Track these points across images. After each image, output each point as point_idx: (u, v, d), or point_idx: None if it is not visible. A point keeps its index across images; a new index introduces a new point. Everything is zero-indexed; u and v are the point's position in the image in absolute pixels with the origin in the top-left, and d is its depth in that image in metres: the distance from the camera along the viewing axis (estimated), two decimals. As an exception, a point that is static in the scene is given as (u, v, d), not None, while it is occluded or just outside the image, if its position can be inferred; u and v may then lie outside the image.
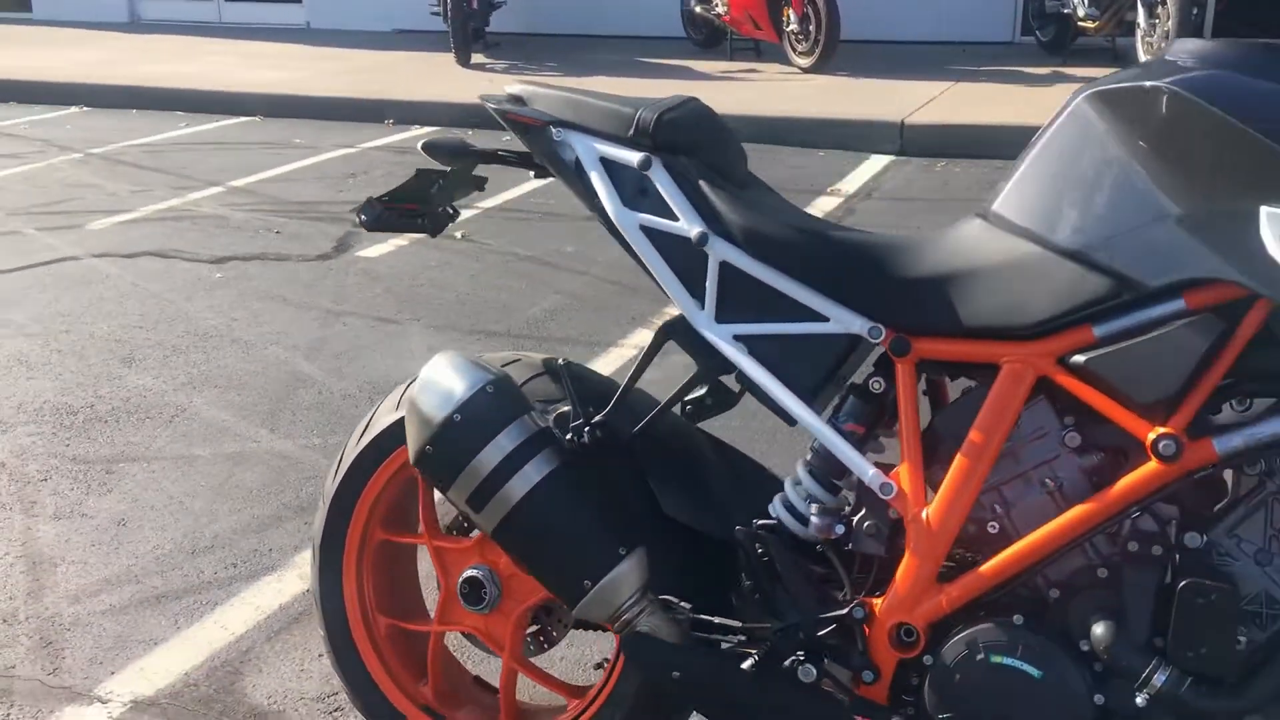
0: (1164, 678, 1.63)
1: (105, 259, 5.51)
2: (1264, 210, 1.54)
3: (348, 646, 2.21)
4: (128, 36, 12.76)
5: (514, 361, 2.11)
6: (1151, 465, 1.65)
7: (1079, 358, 1.69)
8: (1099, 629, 1.67)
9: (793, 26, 9.62)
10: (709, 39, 10.93)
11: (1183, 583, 1.64)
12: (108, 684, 2.57)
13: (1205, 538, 1.67)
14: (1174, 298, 1.64)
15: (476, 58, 10.46)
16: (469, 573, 2.08)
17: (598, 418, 1.92)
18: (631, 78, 9.36)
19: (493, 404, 1.90)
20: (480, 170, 2.14)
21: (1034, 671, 1.70)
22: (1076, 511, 1.70)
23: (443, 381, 1.93)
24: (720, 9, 10.24)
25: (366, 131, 8.44)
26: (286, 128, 8.71)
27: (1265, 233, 1.55)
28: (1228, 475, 1.72)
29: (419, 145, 2.05)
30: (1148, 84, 1.63)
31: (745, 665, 1.83)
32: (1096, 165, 1.68)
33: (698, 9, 10.64)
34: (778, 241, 1.86)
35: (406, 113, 8.63)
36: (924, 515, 1.78)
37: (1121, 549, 1.71)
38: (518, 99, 2.05)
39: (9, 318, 4.83)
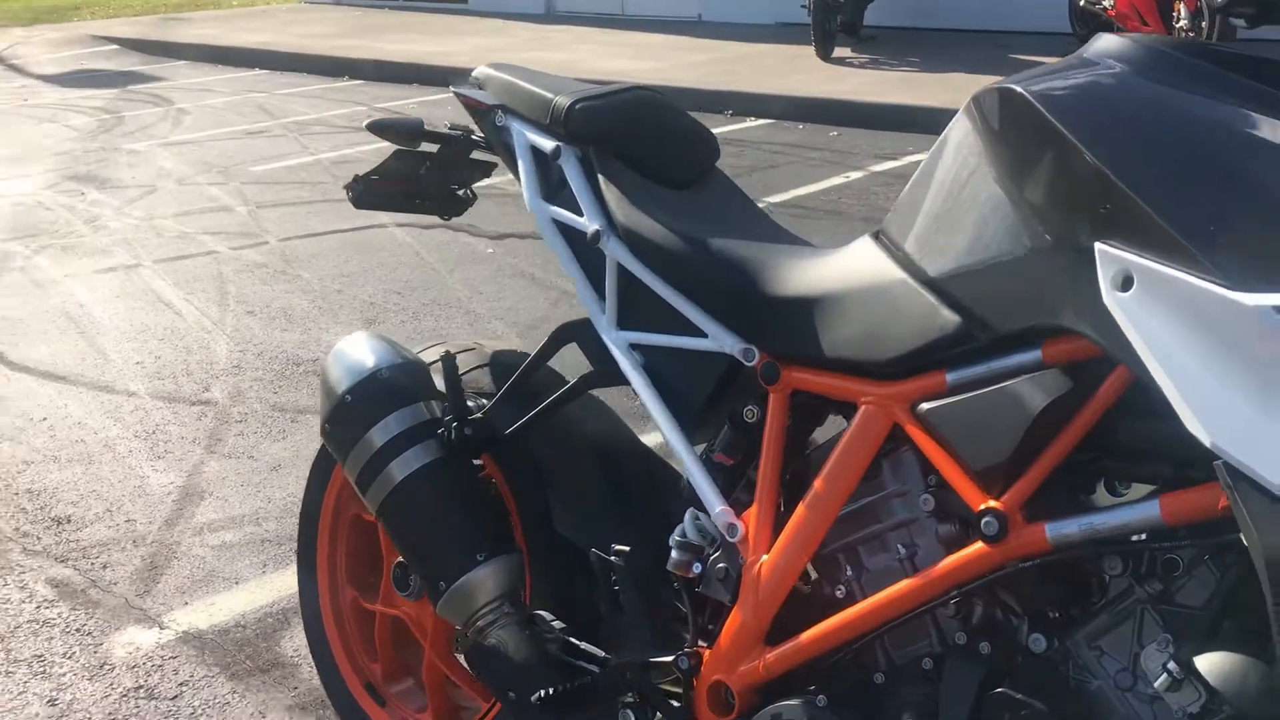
0: (961, 809, 1.36)
1: (404, 229, 5.96)
2: (1097, 247, 1.23)
3: (315, 616, 2.28)
4: (537, 26, 13.65)
5: (468, 350, 2.07)
6: (977, 545, 1.37)
7: (925, 406, 1.44)
8: (908, 730, 1.41)
9: (1183, 23, 8.69)
10: (1093, 34, 10.10)
11: (1007, 692, 1.35)
12: (176, 613, 2.81)
13: (1053, 643, 1.37)
14: (1031, 347, 1.35)
15: (840, 51, 10.29)
16: (400, 557, 2.08)
17: (474, 415, 1.85)
18: (989, 74, 8.84)
19: (385, 388, 1.88)
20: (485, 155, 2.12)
21: (829, 765, 1.46)
22: (901, 588, 1.45)
23: (348, 359, 1.93)
24: (1107, 2, 9.46)
25: (705, 121, 8.53)
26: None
27: (1100, 276, 1.23)
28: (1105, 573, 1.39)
29: (364, 124, 2.06)
30: (1004, 85, 1.35)
31: (573, 700, 1.70)
32: (962, 182, 1.42)
33: (1083, 3, 9.89)
34: (659, 247, 1.71)
35: (746, 105, 8.65)
36: (758, 566, 1.57)
37: (950, 639, 1.43)
38: (478, 81, 2.01)
39: (299, 274, 5.34)
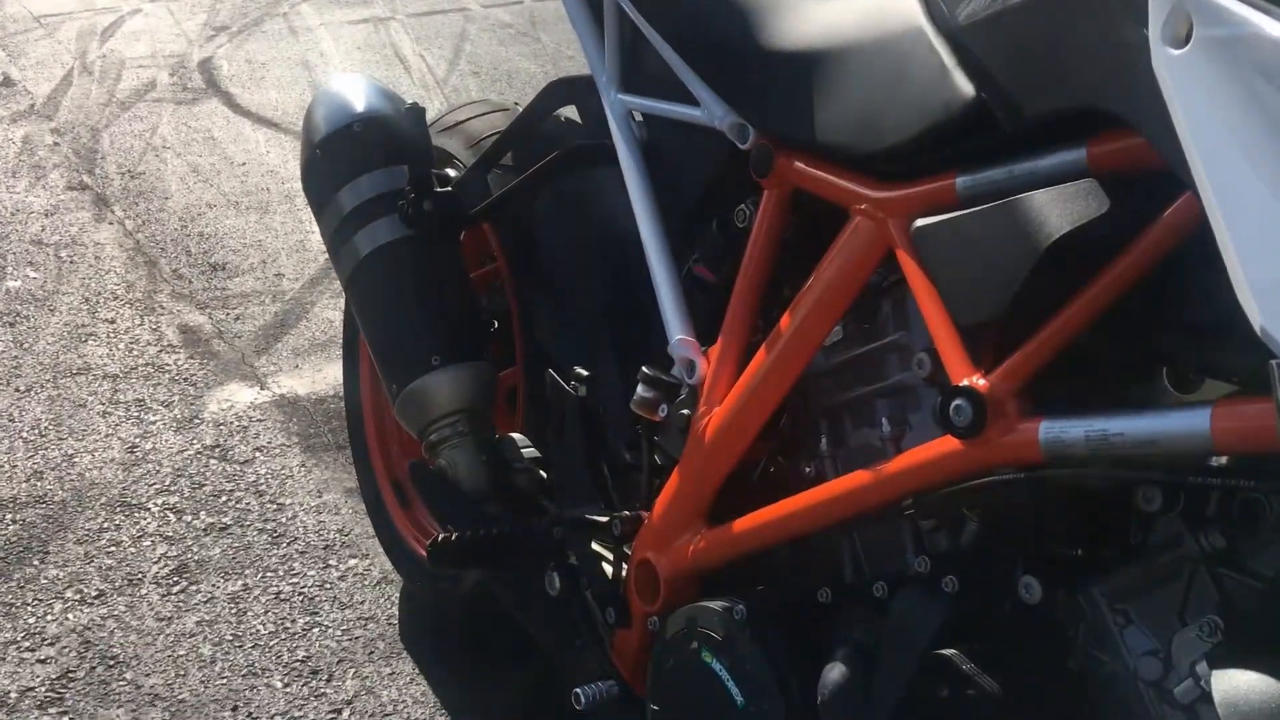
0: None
1: None
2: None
3: (355, 404, 2.06)
4: None
5: (499, 110, 1.71)
6: (945, 439, 0.92)
7: (923, 223, 0.97)
8: (833, 673, 1.01)
9: None
10: None
11: (951, 650, 0.92)
12: (282, 376, 2.68)
13: (1053, 594, 0.92)
14: (1074, 146, 0.86)
15: None
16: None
17: (443, 188, 1.50)
18: None
19: (360, 143, 1.56)
20: None
21: (736, 694, 1.08)
22: (854, 480, 1.02)
23: (330, 104, 1.61)
24: None
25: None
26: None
27: (1151, 22, 0.72)
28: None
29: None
30: None
31: (489, 550, 1.38)
32: None
33: None
34: None
35: None
36: (707, 420, 1.17)
37: (910, 564, 1.00)
38: None
39: (539, 37, 5.05)
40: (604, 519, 1.29)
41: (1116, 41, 0.77)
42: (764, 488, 1.18)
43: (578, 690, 1.26)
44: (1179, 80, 0.69)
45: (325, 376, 2.68)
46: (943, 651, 0.92)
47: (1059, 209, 0.84)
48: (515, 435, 1.51)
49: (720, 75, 1.20)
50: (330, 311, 2.95)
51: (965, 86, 0.93)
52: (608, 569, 1.30)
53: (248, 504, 2.26)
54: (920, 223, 0.96)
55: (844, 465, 1.11)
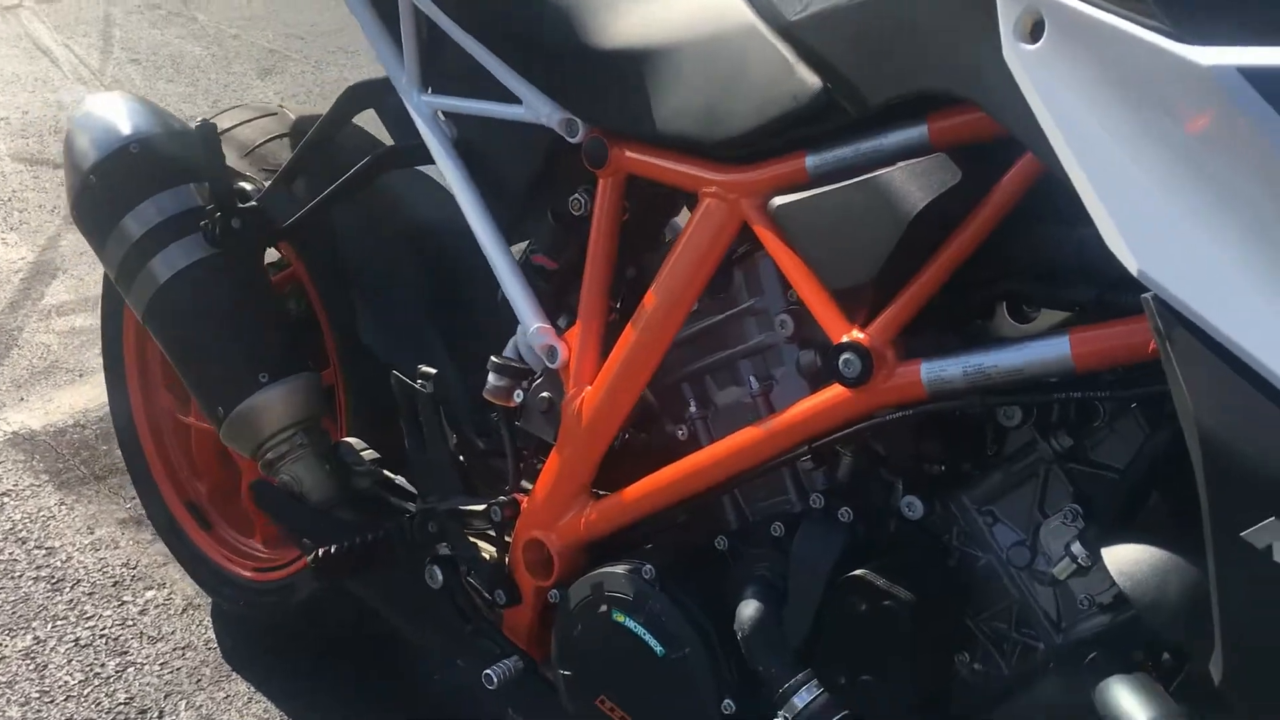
0: (807, 700, 1.08)
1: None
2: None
3: (127, 424, 1.97)
4: None
5: (266, 115, 1.68)
6: (836, 388, 1.04)
7: (781, 201, 1.08)
8: (747, 609, 1.13)
9: None
10: None
11: (861, 571, 1.05)
12: (10, 412, 2.49)
13: (932, 508, 1.06)
14: (914, 123, 0.98)
15: None
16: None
17: (247, 203, 1.48)
18: None
19: (140, 164, 1.50)
20: None
21: (656, 646, 1.18)
22: (747, 436, 1.12)
23: (95, 127, 1.53)
24: None
25: None
26: None
27: (1001, 18, 0.85)
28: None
29: None
30: None
31: (366, 555, 1.40)
32: None
33: None
34: None
35: None
36: (580, 399, 1.25)
37: (805, 501, 1.12)
38: None
39: (194, 15, 4.81)
40: (480, 506, 1.34)
41: (958, 32, 0.90)
42: (630, 456, 1.27)
43: (487, 671, 1.31)
44: (1034, 71, 0.83)
45: (58, 406, 2.52)
46: (854, 573, 1.05)
47: (916, 182, 0.97)
48: (351, 440, 1.52)
49: (544, 73, 1.25)
50: (43, 336, 2.76)
51: (807, 77, 1.04)
52: (486, 554, 1.35)
53: (11, 553, 2.12)
54: (779, 201, 1.07)
55: (715, 424, 1.22)
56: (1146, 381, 0.91)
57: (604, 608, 1.21)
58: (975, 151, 0.96)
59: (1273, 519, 0.73)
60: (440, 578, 1.37)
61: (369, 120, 1.56)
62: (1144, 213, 0.78)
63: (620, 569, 1.20)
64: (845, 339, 1.01)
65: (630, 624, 1.19)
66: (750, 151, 1.09)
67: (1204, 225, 0.75)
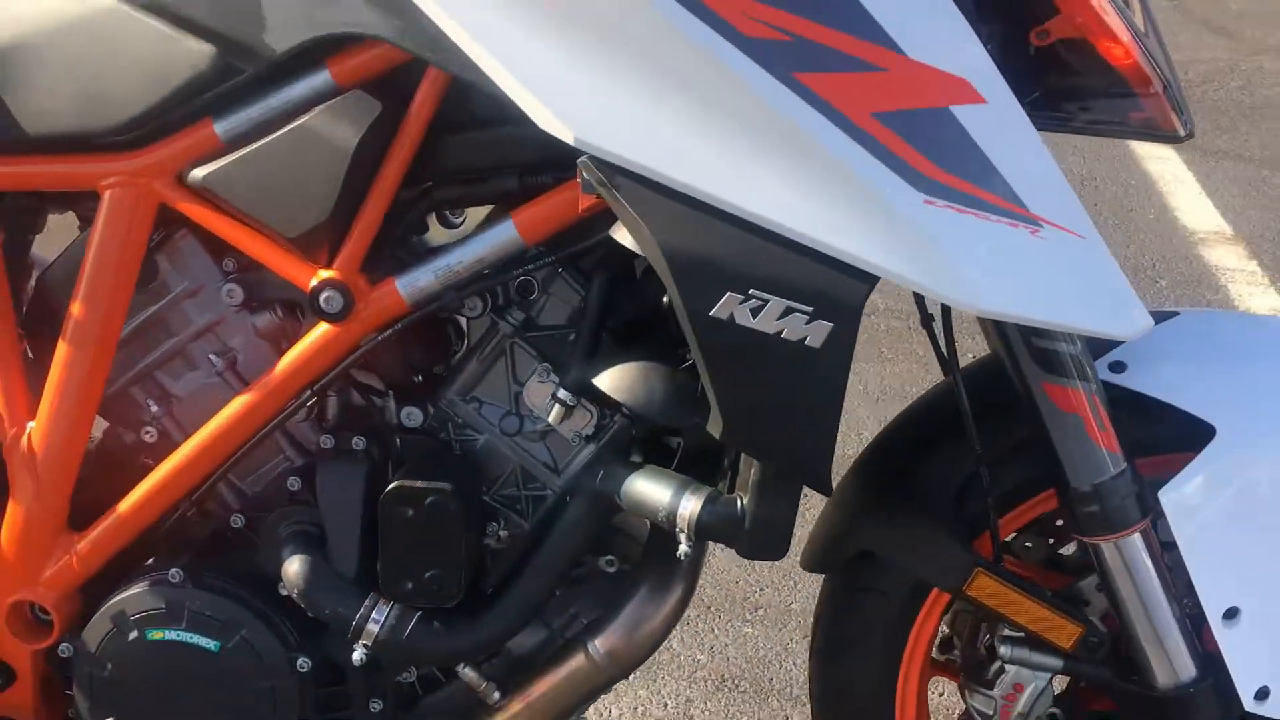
0: (381, 619, 1.15)
1: None
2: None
3: None
4: None
5: None
6: (323, 327, 1.10)
7: (199, 172, 1.09)
8: (293, 565, 1.15)
9: None
10: None
11: (388, 486, 1.13)
12: None
13: (431, 410, 1.17)
14: (315, 69, 1.06)
15: None
16: None
17: None
18: None
19: None
20: None
21: (209, 643, 1.16)
22: (239, 404, 1.14)
23: None
24: None
25: None
26: None
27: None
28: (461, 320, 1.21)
29: None
30: None
31: None
32: None
33: None
34: None
35: None
36: (25, 437, 1.16)
37: (316, 447, 1.17)
38: None
39: None
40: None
41: None
42: (97, 481, 1.21)
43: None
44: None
45: None
46: (388, 489, 1.11)
47: (340, 121, 1.03)
48: None
49: None
50: None
51: (195, 45, 1.05)
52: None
53: None
54: (201, 172, 1.07)
55: (184, 415, 1.19)
56: (575, 241, 1.10)
57: (134, 633, 1.16)
58: (380, 84, 1.07)
59: (728, 293, 0.95)
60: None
61: None
62: (570, 91, 0.95)
63: (140, 588, 1.16)
64: (318, 279, 1.08)
65: (171, 635, 1.16)
66: (147, 131, 1.09)
67: (619, 90, 0.94)
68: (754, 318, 0.94)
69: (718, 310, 0.95)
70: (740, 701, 1.86)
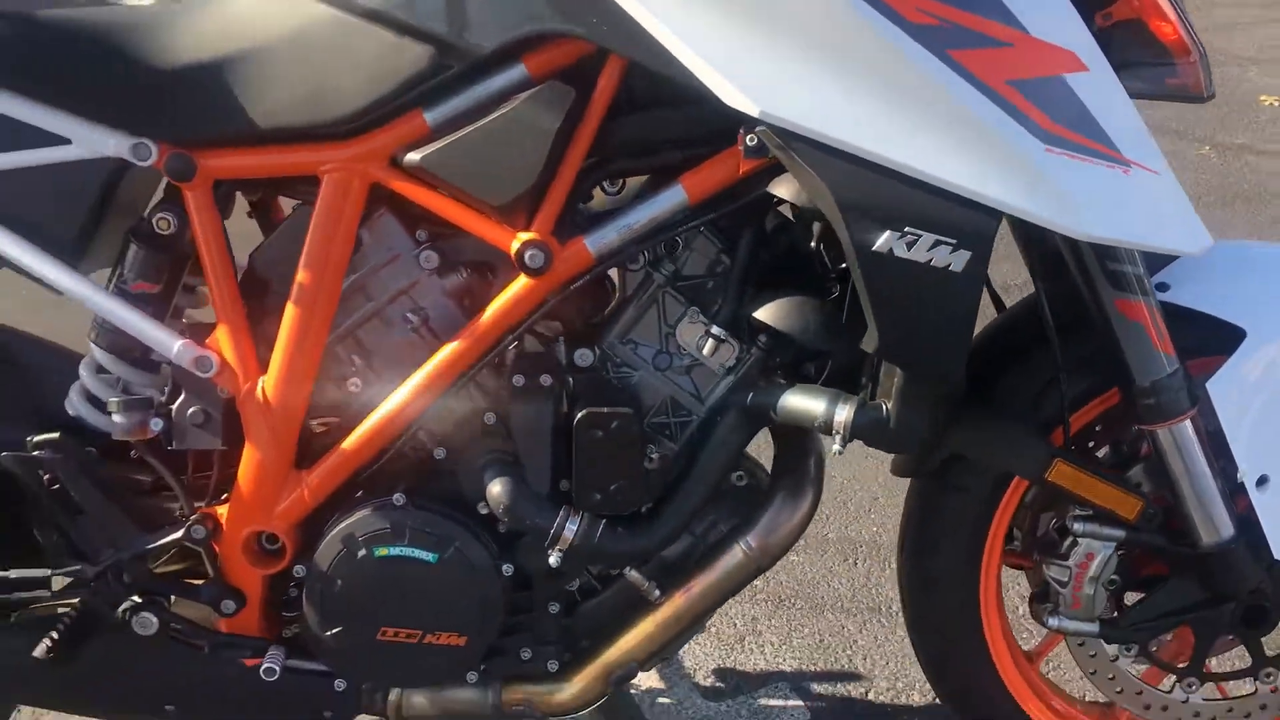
0: (575, 528, 1.35)
1: None
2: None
3: None
4: None
5: None
6: (523, 281, 1.31)
7: (414, 155, 1.29)
8: (496, 487, 1.35)
9: None
10: None
11: (579, 413, 1.34)
12: None
13: (598, 351, 1.38)
14: (512, 63, 1.26)
15: None
16: None
17: None
18: None
19: None
20: None
21: (427, 556, 1.37)
22: (446, 352, 1.34)
23: None
24: None
25: None
26: None
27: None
28: (612, 275, 1.42)
29: None
30: None
31: (53, 635, 1.35)
32: None
33: None
34: None
35: None
36: (259, 389, 1.34)
37: (507, 386, 1.37)
38: None
39: None
40: (175, 535, 1.35)
41: None
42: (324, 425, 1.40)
43: (268, 665, 1.36)
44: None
45: None
46: (577, 417, 1.32)
47: (541, 107, 1.23)
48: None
49: (99, 105, 1.26)
50: None
51: (412, 46, 1.24)
52: (193, 581, 1.37)
53: None
54: (415, 155, 1.26)
55: (382, 368, 1.38)
56: (733, 200, 1.32)
57: (363, 552, 1.35)
58: (567, 73, 1.28)
59: (888, 231, 1.18)
60: (154, 620, 1.37)
61: None
62: (750, 73, 1.17)
63: (366, 511, 1.35)
64: (518, 241, 1.28)
65: (396, 551, 1.35)
66: (366, 122, 1.28)
67: (795, 69, 1.16)
68: (908, 250, 1.18)
69: (880, 245, 1.18)
70: (800, 616, 2.11)
